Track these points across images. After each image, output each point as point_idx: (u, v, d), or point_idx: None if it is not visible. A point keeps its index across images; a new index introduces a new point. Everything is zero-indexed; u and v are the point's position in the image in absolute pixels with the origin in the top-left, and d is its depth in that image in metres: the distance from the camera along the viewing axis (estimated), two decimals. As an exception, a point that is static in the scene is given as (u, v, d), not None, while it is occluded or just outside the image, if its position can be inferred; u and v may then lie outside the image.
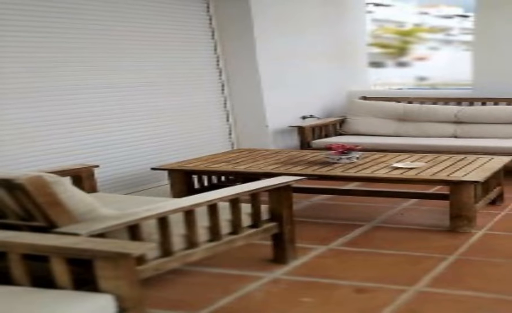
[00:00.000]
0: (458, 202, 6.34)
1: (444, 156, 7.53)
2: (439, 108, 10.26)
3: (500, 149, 8.53)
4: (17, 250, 3.52)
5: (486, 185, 6.79)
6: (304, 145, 9.64)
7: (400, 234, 6.42)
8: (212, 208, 4.79)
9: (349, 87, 11.43)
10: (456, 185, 6.34)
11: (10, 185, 4.05)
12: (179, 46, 8.83)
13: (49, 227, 4.01)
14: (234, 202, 5.00)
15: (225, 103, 9.61)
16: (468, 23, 12.55)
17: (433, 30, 18.01)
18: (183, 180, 7.35)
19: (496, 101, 10.18)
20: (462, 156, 7.53)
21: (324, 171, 6.88)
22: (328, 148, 7.64)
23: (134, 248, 3.51)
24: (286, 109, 10.02)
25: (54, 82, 7.21)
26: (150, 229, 4.39)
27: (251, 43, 9.35)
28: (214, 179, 7.79)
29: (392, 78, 15.29)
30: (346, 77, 11.47)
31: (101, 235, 3.92)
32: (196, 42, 9.13)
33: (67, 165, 6.43)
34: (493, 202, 7.22)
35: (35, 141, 7.00)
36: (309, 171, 6.87)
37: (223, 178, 7.86)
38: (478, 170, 6.66)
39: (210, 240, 4.81)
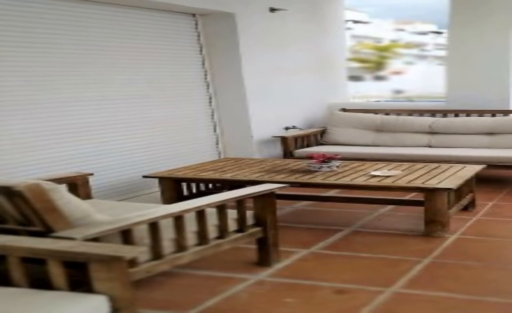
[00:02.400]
0: (432, 208, 6.37)
1: (419, 165, 7.56)
2: (415, 119, 10.30)
3: (472, 158, 8.57)
4: (16, 253, 3.53)
5: (459, 192, 6.82)
6: (287, 154, 9.66)
7: (378, 239, 6.44)
8: (200, 214, 4.80)
9: (329, 99, 11.48)
10: (431, 192, 6.37)
11: (9, 192, 4.05)
12: (169, 61, 8.85)
13: (46, 232, 4.02)
14: (221, 208, 5.01)
15: (212, 115, 9.63)
16: (442, 39, 12.63)
17: (408, 45, 18.07)
18: (173, 187, 7.35)
19: (468, 113, 10.25)
20: (436, 164, 7.56)
21: (306, 179, 6.90)
22: (310, 157, 7.65)
23: (126, 251, 3.51)
24: (270, 120, 10.05)
25: (51, 94, 7.22)
26: (142, 233, 4.39)
27: (237, 58, 9.38)
28: (202, 186, 7.79)
29: (370, 91, 15.33)
30: (327, 90, 11.52)
31: (95, 239, 3.93)
32: (185, 57, 9.16)
33: (63, 173, 6.42)
34: (465, 208, 7.25)
35: (33, 150, 7.01)
36: (292, 179, 6.89)
37: (210, 185, 7.87)
38: (451, 178, 6.69)
39: (198, 244, 4.82)
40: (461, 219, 6.96)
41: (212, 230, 4.94)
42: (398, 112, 10.77)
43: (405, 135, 10.08)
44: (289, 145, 9.70)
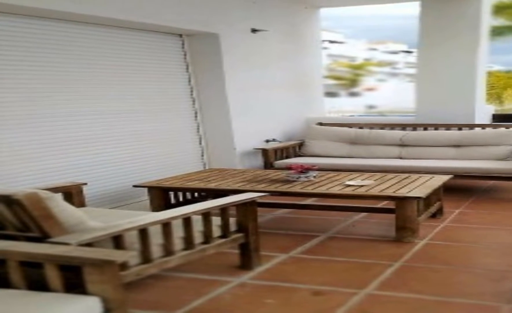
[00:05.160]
0: (403, 216, 6.40)
1: (390, 175, 7.58)
2: (386, 132, 10.35)
3: (440, 169, 8.62)
4: (15, 257, 3.54)
5: (427, 200, 6.87)
6: (268, 165, 9.67)
7: (352, 244, 6.47)
8: (187, 221, 4.83)
9: (307, 114, 11.53)
10: (401, 201, 6.41)
11: (8, 201, 4.06)
12: (157, 78, 8.86)
13: (43, 238, 4.03)
14: (206, 215, 5.04)
15: (198, 129, 9.64)
16: (412, 58, 12.75)
17: (381, 64, 18.22)
18: (161, 196, 7.36)
19: (436, 127, 10.32)
20: (406, 175, 7.59)
21: (285, 188, 6.93)
22: (289, 168, 7.67)
23: (118, 256, 3.54)
24: (252, 134, 10.08)
25: (47, 109, 7.23)
26: (132, 239, 4.41)
27: (221, 75, 9.41)
28: (188, 195, 7.79)
29: (345, 106, 15.44)
30: (304, 105, 11.57)
31: (89, 244, 3.94)
32: (173, 75, 9.17)
33: (59, 183, 6.43)
34: (433, 216, 7.28)
35: (31, 161, 7.01)
36: (272, 188, 6.92)
37: (196, 194, 7.86)
38: (420, 187, 6.73)
39: (185, 249, 4.84)
40: (429, 225, 7.01)
41: (197, 236, 4.96)
42: (371, 126, 10.81)
43: (377, 147, 10.11)
44: (270, 157, 9.72)
